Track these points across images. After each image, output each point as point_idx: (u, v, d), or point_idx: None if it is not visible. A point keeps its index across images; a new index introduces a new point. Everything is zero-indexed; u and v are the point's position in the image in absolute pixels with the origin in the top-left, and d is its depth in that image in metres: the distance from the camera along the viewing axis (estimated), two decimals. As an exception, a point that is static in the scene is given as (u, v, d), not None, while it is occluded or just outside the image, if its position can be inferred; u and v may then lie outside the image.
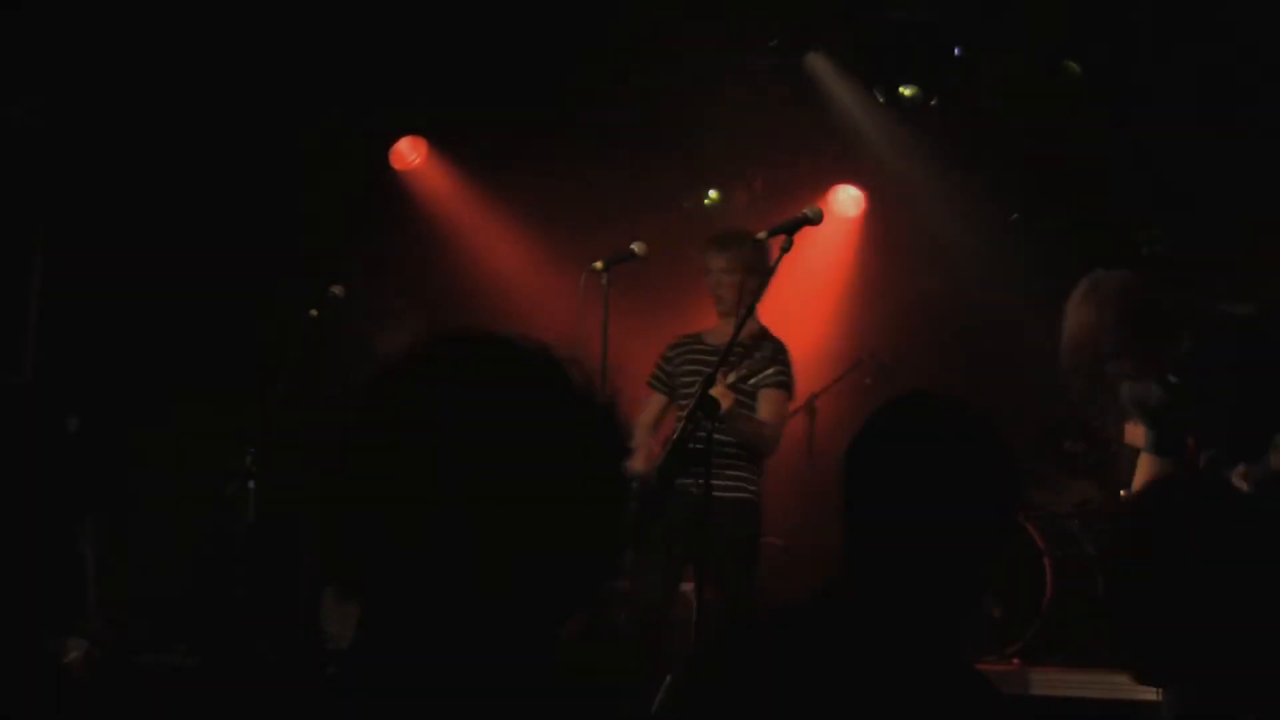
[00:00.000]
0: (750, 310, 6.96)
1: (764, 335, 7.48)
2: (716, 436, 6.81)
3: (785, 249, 6.29)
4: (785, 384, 7.45)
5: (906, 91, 9.80)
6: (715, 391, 6.70)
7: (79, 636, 7.92)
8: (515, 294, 10.40)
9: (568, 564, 1.87)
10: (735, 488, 7.29)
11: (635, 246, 7.21)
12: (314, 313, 7.97)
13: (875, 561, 2.98)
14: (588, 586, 1.92)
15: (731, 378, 6.79)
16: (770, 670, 2.94)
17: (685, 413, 6.97)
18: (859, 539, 3.01)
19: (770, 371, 7.23)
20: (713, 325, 7.65)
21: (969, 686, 2.92)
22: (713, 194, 10.68)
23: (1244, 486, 5.91)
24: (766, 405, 7.35)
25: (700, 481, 6.68)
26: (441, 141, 10.51)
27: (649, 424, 7.65)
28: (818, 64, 10.15)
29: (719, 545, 7.02)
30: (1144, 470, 6.37)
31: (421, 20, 9.49)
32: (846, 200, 10.77)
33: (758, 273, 7.31)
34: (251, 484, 7.68)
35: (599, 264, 7.12)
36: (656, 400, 7.70)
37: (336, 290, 8.02)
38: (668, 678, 6.73)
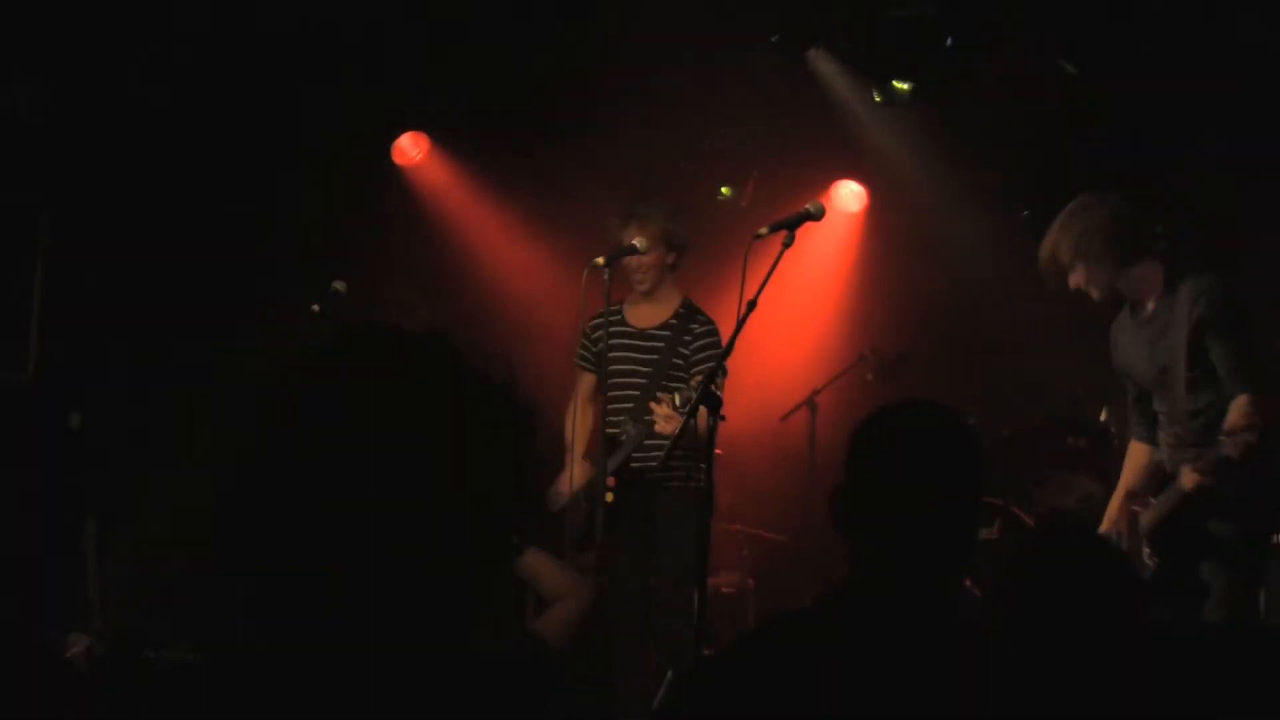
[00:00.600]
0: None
1: (691, 313, 7.61)
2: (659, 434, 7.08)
3: (787, 244, 6.25)
4: (721, 369, 7.21)
5: (902, 87, 9.80)
6: (663, 415, 6.99)
7: (81, 633, 7.92)
8: (517, 289, 10.44)
9: (465, 543, 1.92)
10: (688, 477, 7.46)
11: (637, 241, 7.20)
12: (316, 307, 7.96)
13: (881, 557, 3.09)
14: (493, 548, 1.98)
15: (677, 399, 6.86)
16: (779, 670, 2.98)
17: (631, 413, 7.26)
18: (864, 537, 3.12)
19: (705, 356, 7.36)
20: (632, 299, 7.74)
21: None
22: (725, 190, 10.66)
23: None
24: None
25: (700, 467, 6.73)
26: (443, 137, 10.50)
27: (585, 402, 7.80)
28: (819, 60, 10.15)
29: (678, 534, 7.28)
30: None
31: (423, 15, 9.50)
32: (848, 196, 10.77)
33: (676, 246, 7.55)
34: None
35: (600, 259, 7.12)
36: (587, 379, 7.81)
37: (339, 285, 8.01)
38: (669, 673, 6.73)
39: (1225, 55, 9.07)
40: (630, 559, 7.45)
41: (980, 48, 9.63)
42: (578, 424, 7.79)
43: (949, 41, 9.59)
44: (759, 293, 6.42)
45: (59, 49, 8.86)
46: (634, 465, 7.39)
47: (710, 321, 7.54)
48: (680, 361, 7.42)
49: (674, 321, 7.49)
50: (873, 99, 10.00)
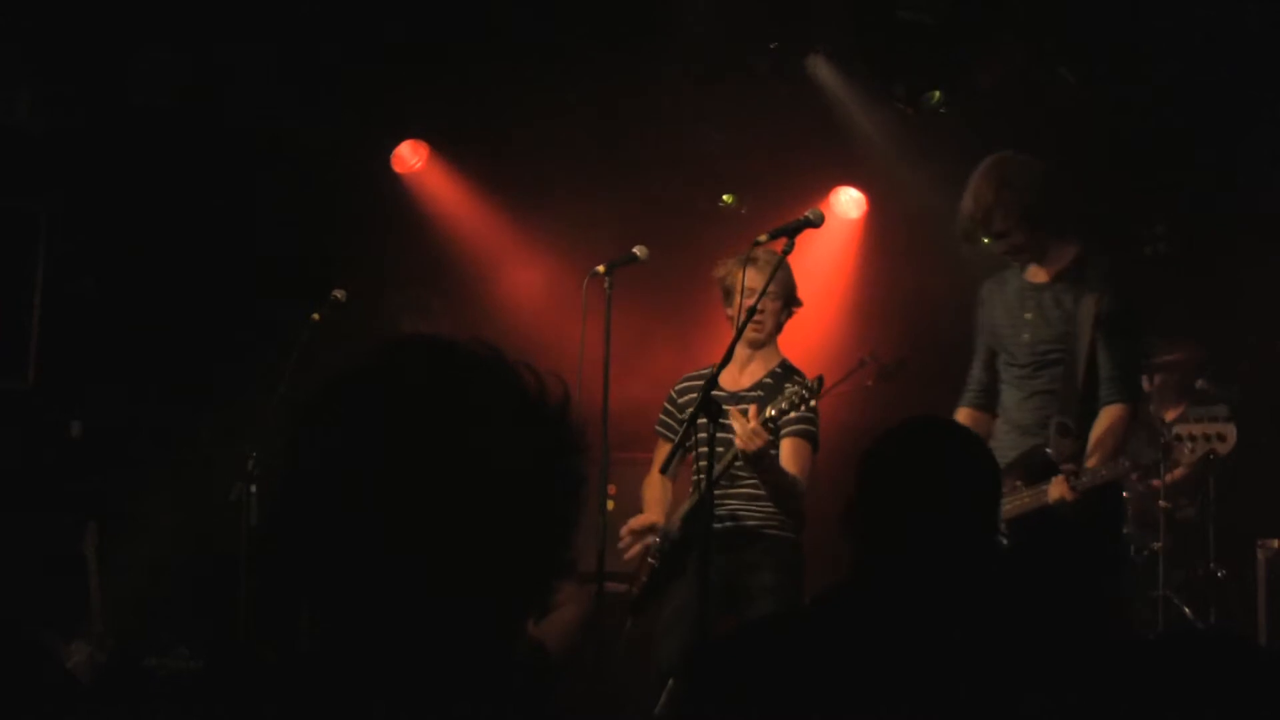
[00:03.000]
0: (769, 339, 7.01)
1: (790, 370, 7.15)
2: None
3: (786, 251, 6.26)
4: (812, 434, 7.01)
5: (935, 95, 9.81)
6: (743, 431, 6.50)
7: (82, 640, 7.93)
8: (517, 298, 10.44)
9: (517, 561, 1.91)
10: (770, 524, 6.99)
11: (637, 250, 7.10)
12: (316, 316, 7.96)
13: (890, 561, 3.16)
14: (535, 584, 1.96)
15: (770, 411, 6.56)
16: (778, 669, 3.00)
17: (695, 446, 6.57)
18: (873, 541, 3.17)
19: (794, 416, 6.77)
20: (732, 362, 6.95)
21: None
22: (727, 197, 10.66)
23: (1067, 495, 6.09)
24: (790, 456, 6.94)
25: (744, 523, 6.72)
26: (443, 145, 10.52)
27: (660, 470, 7.13)
28: (819, 66, 10.15)
29: (752, 587, 6.86)
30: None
31: (421, 22, 9.50)
32: (848, 202, 10.78)
33: (790, 301, 7.22)
34: (254, 488, 7.61)
35: (601, 268, 7.04)
36: (666, 449, 7.21)
37: (338, 294, 8.01)
38: (669, 681, 6.72)
39: (1227, 60, 9.08)
40: (691, 617, 6.56)
41: (980, 54, 9.64)
42: (652, 492, 7.26)
43: (950, 48, 9.60)
44: (759, 300, 6.52)
45: (59, 56, 8.87)
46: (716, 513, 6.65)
47: (805, 383, 6.77)
48: (771, 425, 6.73)
49: (769, 381, 7.06)
50: (873, 104, 9.99)
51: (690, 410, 6.42)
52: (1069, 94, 9.50)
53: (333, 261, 9.27)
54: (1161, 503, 9.00)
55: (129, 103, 9.14)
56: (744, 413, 6.59)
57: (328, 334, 7.88)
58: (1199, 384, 9.57)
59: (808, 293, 10.36)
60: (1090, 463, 6.18)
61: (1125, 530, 9.16)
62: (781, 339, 7.32)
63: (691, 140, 10.12)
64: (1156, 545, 8.96)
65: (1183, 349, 9.62)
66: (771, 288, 6.74)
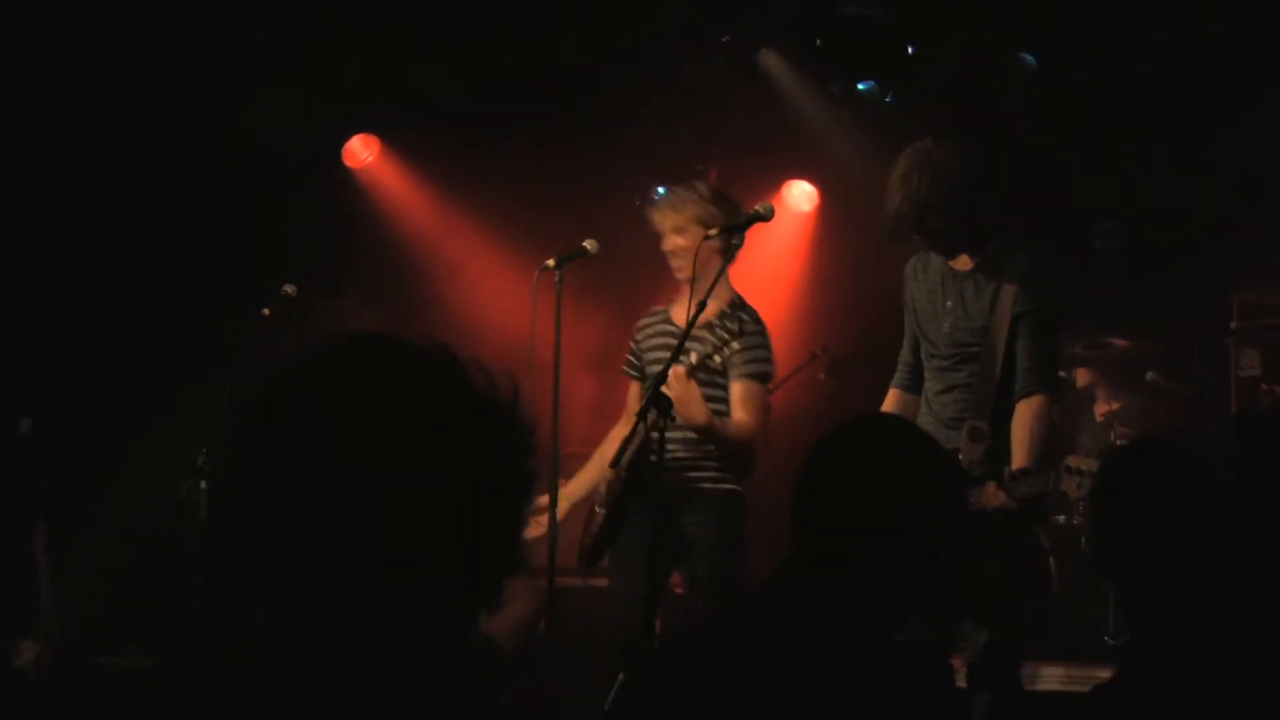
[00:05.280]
0: (718, 277, 6.78)
1: (737, 307, 7.03)
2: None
3: (737, 245, 6.27)
4: (762, 373, 6.93)
5: (862, 86, 9.82)
6: (676, 398, 6.42)
7: (31, 640, 7.88)
8: (469, 291, 10.39)
9: (468, 559, 1.90)
10: (708, 477, 6.96)
11: (587, 244, 7.06)
12: (266, 311, 7.91)
13: (831, 558, 3.09)
14: (489, 580, 1.96)
15: (692, 358, 6.52)
16: (719, 662, 3.01)
17: (698, 364, 6.68)
18: (816, 537, 3.12)
19: (741, 353, 6.73)
20: (680, 296, 7.09)
21: (910, 669, 3.04)
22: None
23: (1003, 501, 5.93)
24: (740, 402, 6.88)
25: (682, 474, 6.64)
26: (394, 138, 10.48)
27: (630, 414, 7.08)
28: (771, 60, 10.15)
29: (699, 544, 6.83)
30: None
31: (372, 16, 9.50)
32: (800, 195, 10.79)
33: (724, 228, 6.80)
34: (204, 484, 7.58)
35: (551, 262, 7.02)
36: (635, 388, 7.26)
37: (289, 289, 7.97)
38: (620, 675, 6.72)
39: (1182, 52, 9.12)
40: (640, 572, 6.69)
41: (932, 47, 9.66)
42: (614, 434, 7.22)
43: (901, 41, 9.61)
44: (709, 293, 6.47)
45: (7, 54, 8.81)
46: (654, 461, 6.54)
47: (759, 321, 6.99)
48: (699, 374, 6.78)
49: (718, 321, 6.87)
50: (825, 98, 10.00)
51: (644, 345, 7.02)
52: (1020, 87, 9.49)
53: (283, 256, 9.26)
54: None
55: (71, 99, 9.04)
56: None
57: (278, 329, 7.84)
58: (1149, 376, 9.59)
59: (759, 286, 10.39)
60: (1016, 462, 5.98)
61: (1072, 521, 9.21)
62: None
63: (645, 133, 10.09)
64: None
65: (1128, 338, 9.63)
66: (678, 223, 6.84)
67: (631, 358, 7.34)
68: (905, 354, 6.62)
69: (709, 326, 6.73)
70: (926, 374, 6.42)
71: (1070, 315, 6.90)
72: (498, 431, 1.94)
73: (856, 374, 9.48)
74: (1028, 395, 6.09)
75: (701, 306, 6.47)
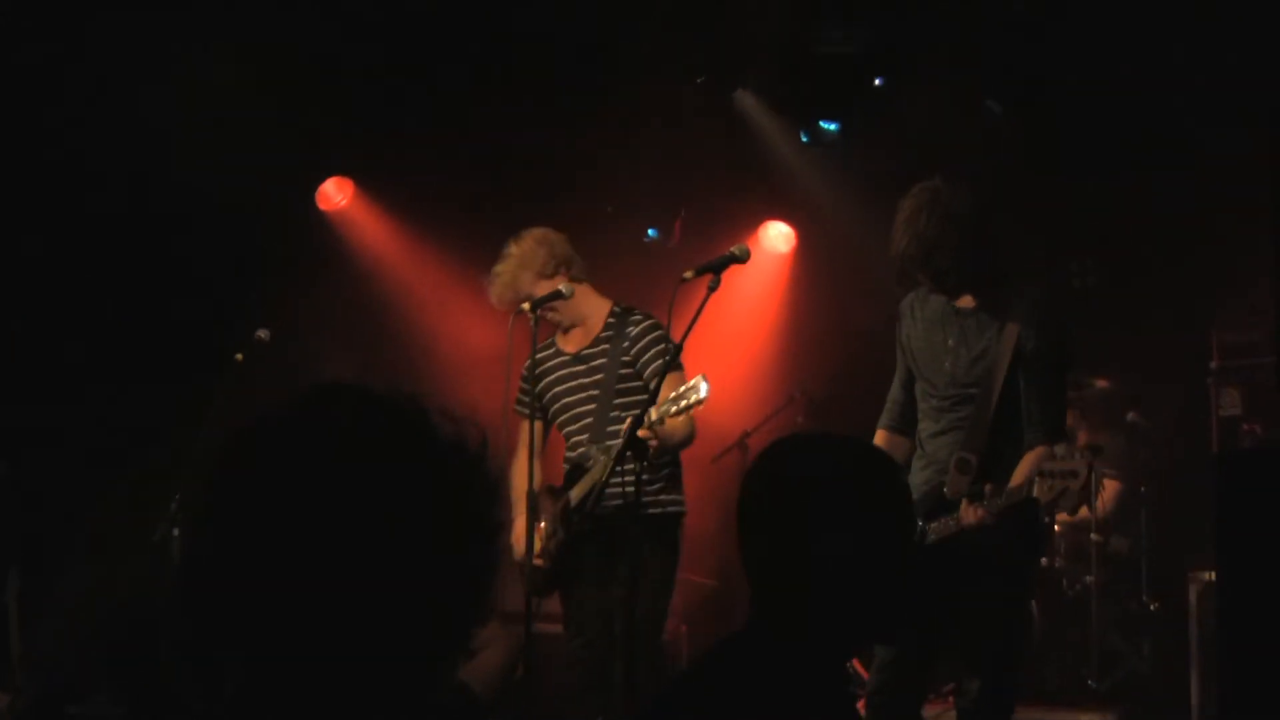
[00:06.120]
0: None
1: (624, 315, 7.23)
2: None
3: (712, 288, 6.18)
4: (675, 362, 6.76)
5: (828, 127, 9.82)
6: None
7: (2, 689, 7.80)
8: (444, 335, 10.36)
9: (436, 608, 1.90)
10: (671, 501, 7.07)
11: (563, 287, 7.07)
12: (239, 356, 7.84)
13: (761, 596, 3.03)
14: (456, 631, 1.95)
15: (652, 415, 6.50)
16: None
17: (601, 450, 6.85)
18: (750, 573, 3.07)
19: (652, 354, 6.99)
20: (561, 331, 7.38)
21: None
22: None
23: (981, 515, 5.85)
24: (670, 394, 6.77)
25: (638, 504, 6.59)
26: (368, 181, 10.45)
27: (534, 452, 7.16)
28: (746, 100, 10.14)
29: (638, 573, 6.75)
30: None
31: (347, 59, 9.48)
32: (777, 237, 10.82)
33: (559, 267, 7.18)
34: (176, 531, 7.49)
35: (526, 305, 7.01)
36: (525, 427, 7.22)
37: (262, 334, 7.90)
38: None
39: (1150, 88, 9.11)
40: (598, 602, 6.98)
41: (906, 86, 9.65)
42: (520, 477, 7.19)
43: (874, 80, 9.60)
44: (685, 337, 6.39)
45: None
46: (607, 493, 6.68)
47: (648, 316, 7.13)
48: (629, 370, 7.03)
49: (607, 333, 7.13)
50: (799, 139, 9.99)
51: (544, 382, 7.21)
52: (996, 125, 9.48)
53: (256, 300, 9.16)
54: (1093, 535, 9.01)
55: (39, 134, 9.01)
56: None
57: (251, 374, 7.73)
58: (1130, 416, 9.57)
59: (738, 327, 10.37)
60: (1011, 484, 5.89)
61: (1053, 563, 9.17)
62: (712, 376, 7.08)
63: (619, 175, 10.06)
64: (1089, 579, 8.96)
65: (1108, 378, 9.61)
66: (528, 292, 7.12)
67: (524, 396, 7.39)
68: (895, 392, 6.53)
69: (607, 338, 7.10)
70: (921, 415, 6.34)
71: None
72: (465, 481, 1.94)
73: (837, 416, 9.45)
74: (1034, 448, 5.99)
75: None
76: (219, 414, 7.44)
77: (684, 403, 6.46)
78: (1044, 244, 9.69)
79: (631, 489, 6.53)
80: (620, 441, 6.46)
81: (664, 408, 6.48)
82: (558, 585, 7.11)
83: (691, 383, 6.47)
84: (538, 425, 7.24)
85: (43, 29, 8.81)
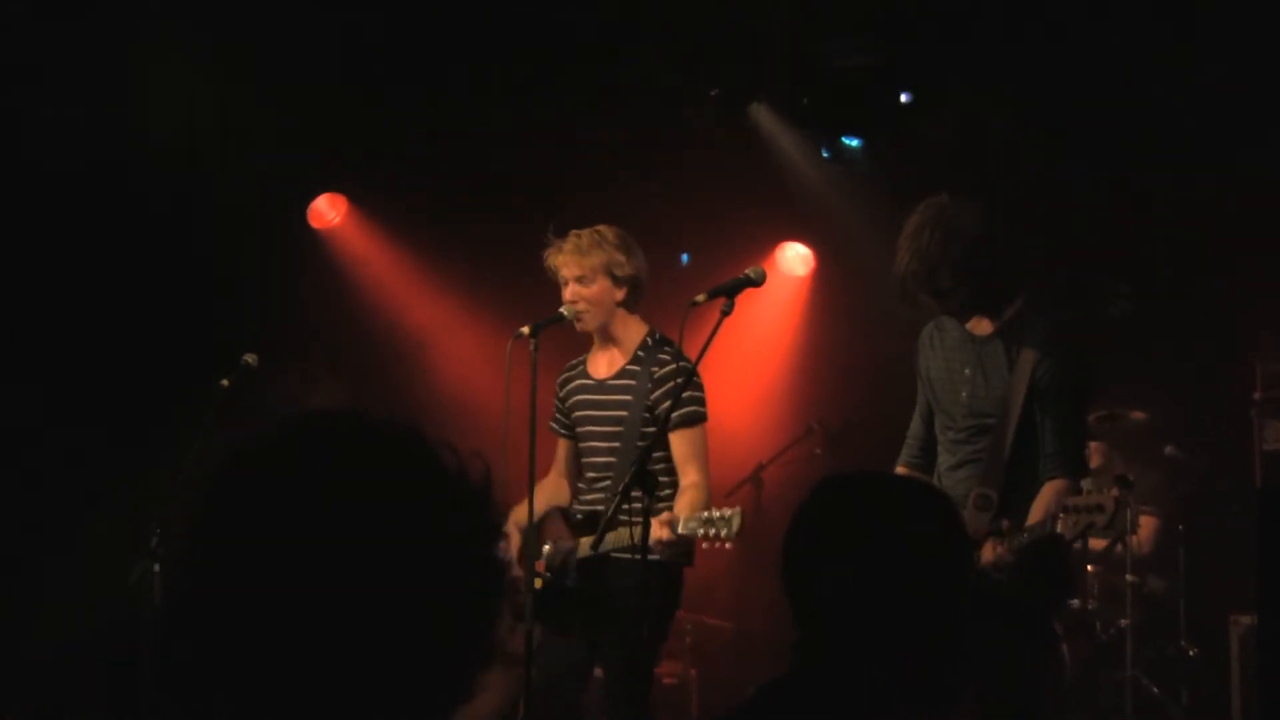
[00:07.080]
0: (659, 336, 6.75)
1: (654, 350, 6.85)
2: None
3: (726, 312, 5.94)
4: (698, 415, 6.66)
5: (851, 143, 9.64)
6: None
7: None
8: (440, 359, 10.25)
9: (436, 650, 1.83)
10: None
11: (564, 309, 6.83)
12: (225, 382, 7.60)
13: (827, 637, 2.96)
14: (460, 674, 1.87)
15: (680, 530, 6.25)
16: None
17: (611, 486, 6.57)
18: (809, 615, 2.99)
19: (669, 405, 6.47)
20: (596, 347, 7.06)
21: None
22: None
23: (1001, 553, 5.73)
24: (685, 459, 6.64)
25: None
26: (362, 198, 10.29)
27: (562, 471, 7.11)
28: (762, 115, 10.02)
29: (624, 616, 6.53)
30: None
31: (342, 75, 9.33)
32: (794, 259, 10.64)
33: (623, 281, 6.84)
34: (157, 567, 7.27)
35: (526, 329, 6.69)
36: (562, 445, 7.14)
37: (250, 359, 7.69)
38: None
39: (1174, 104, 8.99)
40: (567, 645, 6.75)
41: (928, 100, 9.56)
42: (541, 494, 6.95)
43: (896, 94, 9.42)
44: (696, 363, 6.19)
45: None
46: (608, 538, 6.45)
47: (677, 355, 6.73)
48: (649, 415, 6.70)
49: (634, 367, 6.82)
50: (820, 155, 9.78)
51: (570, 402, 6.97)
52: (1026, 143, 9.28)
53: (244, 323, 9.04)
54: (1129, 576, 8.76)
55: (26, 156, 8.89)
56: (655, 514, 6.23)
57: (238, 400, 7.52)
58: (1168, 450, 9.34)
59: (752, 354, 10.18)
60: (1029, 521, 5.82)
61: (1086, 605, 8.91)
62: (724, 406, 6.96)
63: (628, 192, 9.80)
64: (1124, 622, 8.76)
65: (1145, 410, 9.40)
66: (582, 271, 6.83)
67: (559, 415, 7.19)
68: (915, 427, 6.47)
69: (633, 372, 6.80)
70: (940, 449, 6.26)
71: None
72: (467, 517, 1.87)
73: (856, 448, 9.32)
74: (1051, 479, 5.89)
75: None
76: (203, 444, 7.25)
77: (712, 532, 6.21)
78: (1078, 268, 9.57)
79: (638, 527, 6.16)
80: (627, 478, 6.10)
81: (690, 525, 6.26)
82: (540, 618, 6.74)
83: (727, 514, 6.22)
84: (567, 443, 7.14)
85: (31, 41, 8.72)
